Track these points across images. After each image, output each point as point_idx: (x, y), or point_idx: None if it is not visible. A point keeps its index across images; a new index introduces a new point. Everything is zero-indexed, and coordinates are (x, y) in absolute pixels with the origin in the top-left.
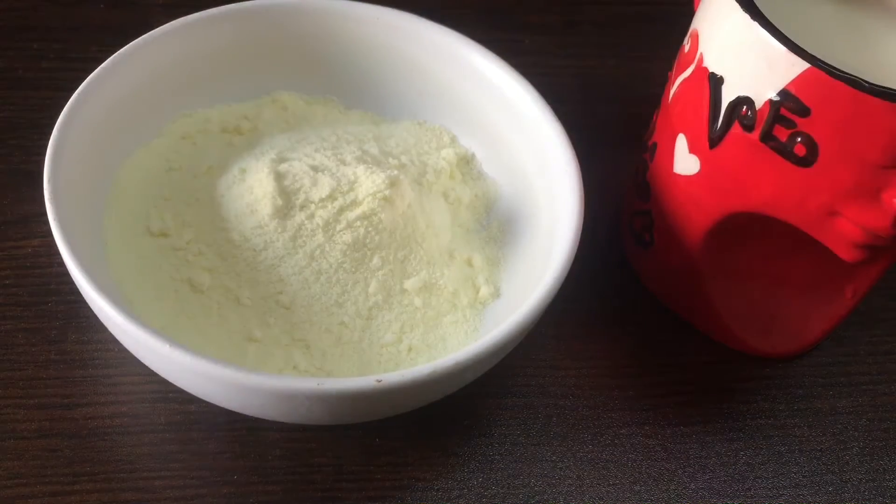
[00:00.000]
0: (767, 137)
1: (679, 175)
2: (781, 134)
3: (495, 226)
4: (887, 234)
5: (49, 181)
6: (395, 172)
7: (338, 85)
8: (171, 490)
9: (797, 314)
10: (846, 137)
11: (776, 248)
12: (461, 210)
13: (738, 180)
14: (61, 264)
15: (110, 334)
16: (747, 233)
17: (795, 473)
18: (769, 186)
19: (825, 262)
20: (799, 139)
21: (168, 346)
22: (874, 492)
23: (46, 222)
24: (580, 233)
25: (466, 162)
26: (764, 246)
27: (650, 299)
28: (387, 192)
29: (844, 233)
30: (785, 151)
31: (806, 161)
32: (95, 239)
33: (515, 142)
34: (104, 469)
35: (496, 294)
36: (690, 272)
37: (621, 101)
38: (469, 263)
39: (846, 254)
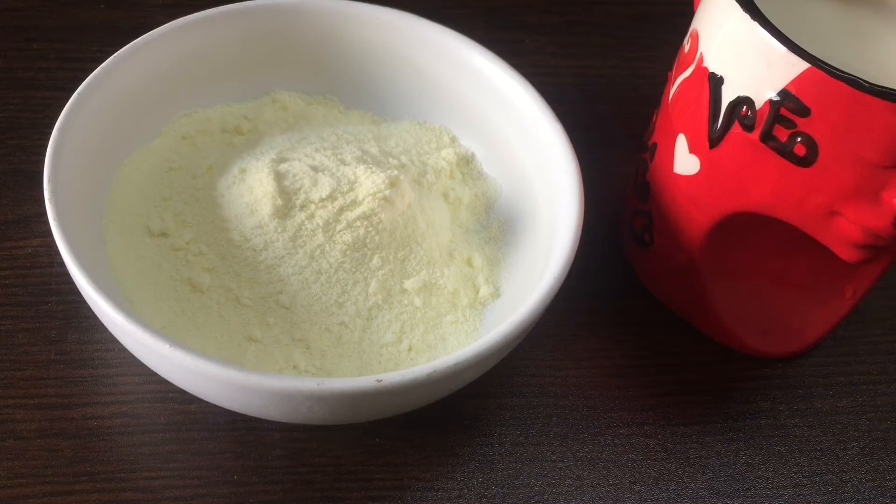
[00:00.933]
0: (767, 137)
1: (679, 175)
2: (781, 134)
3: (495, 226)
4: (887, 235)
5: (49, 181)
6: (395, 172)
7: (338, 85)
8: (171, 490)
9: (797, 314)
10: (846, 137)
11: (776, 248)
12: (461, 210)
13: (738, 180)
14: (61, 264)
15: (110, 334)
16: (747, 233)
17: (795, 473)
18: (769, 186)
19: (825, 262)
20: (799, 139)
21: (168, 346)
22: (874, 492)
23: (46, 222)
24: (580, 233)
25: (466, 162)
26: (764, 246)
27: (650, 299)
28: (387, 192)
29: (844, 233)
30: (785, 151)
31: (806, 161)
32: (95, 239)
33: (515, 142)
34: (104, 469)
35: (496, 294)
36: (690, 272)
37: (621, 101)
38: (469, 263)
39: (846, 254)
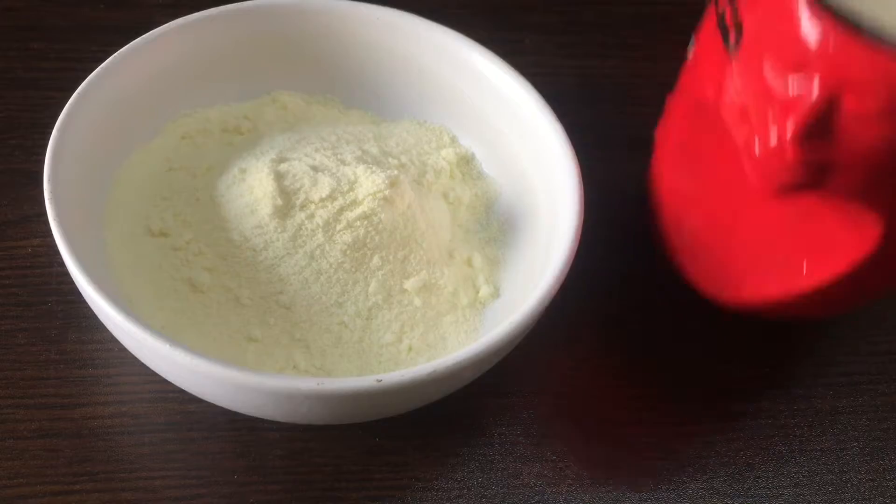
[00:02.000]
0: (721, 22)
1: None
2: (728, 18)
3: (495, 226)
4: (783, 160)
5: (49, 181)
6: (395, 172)
7: (338, 85)
8: (171, 490)
9: (749, 265)
10: (766, 30)
11: (735, 194)
12: (461, 210)
13: (700, 75)
14: (61, 264)
15: (110, 334)
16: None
17: (795, 473)
18: (714, 77)
19: (777, 221)
20: (734, 23)
21: (168, 346)
22: (874, 492)
23: (46, 222)
24: (580, 233)
25: (466, 162)
26: (724, 186)
27: (650, 299)
28: (387, 192)
29: (748, 141)
30: (725, 36)
31: (735, 47)
32: (95, 239)
33: (515, 142)
34: (104, 469)
35: (496, 294)
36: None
37: (621, 101)
38: (469, 263)
39: (750, 170)
